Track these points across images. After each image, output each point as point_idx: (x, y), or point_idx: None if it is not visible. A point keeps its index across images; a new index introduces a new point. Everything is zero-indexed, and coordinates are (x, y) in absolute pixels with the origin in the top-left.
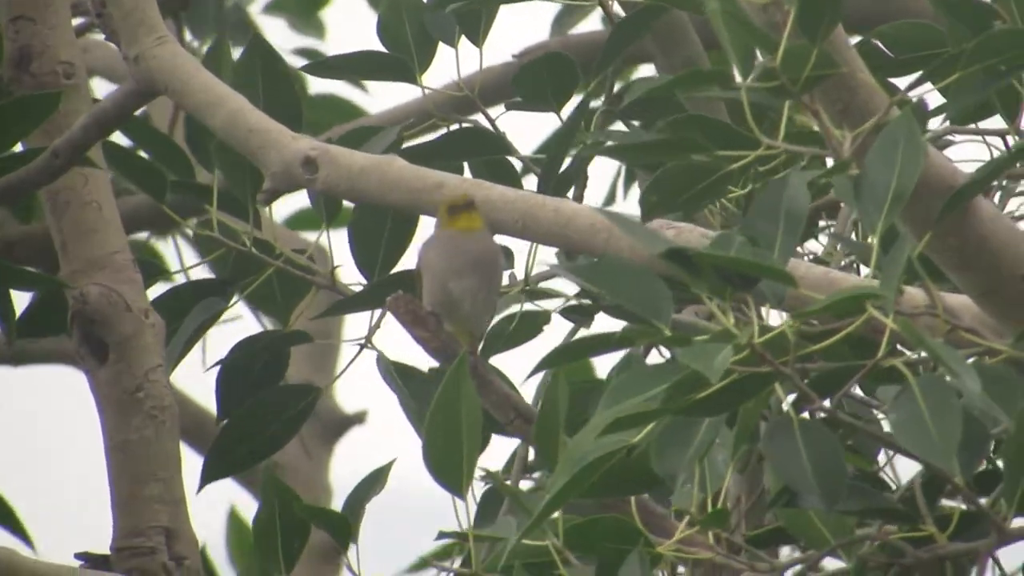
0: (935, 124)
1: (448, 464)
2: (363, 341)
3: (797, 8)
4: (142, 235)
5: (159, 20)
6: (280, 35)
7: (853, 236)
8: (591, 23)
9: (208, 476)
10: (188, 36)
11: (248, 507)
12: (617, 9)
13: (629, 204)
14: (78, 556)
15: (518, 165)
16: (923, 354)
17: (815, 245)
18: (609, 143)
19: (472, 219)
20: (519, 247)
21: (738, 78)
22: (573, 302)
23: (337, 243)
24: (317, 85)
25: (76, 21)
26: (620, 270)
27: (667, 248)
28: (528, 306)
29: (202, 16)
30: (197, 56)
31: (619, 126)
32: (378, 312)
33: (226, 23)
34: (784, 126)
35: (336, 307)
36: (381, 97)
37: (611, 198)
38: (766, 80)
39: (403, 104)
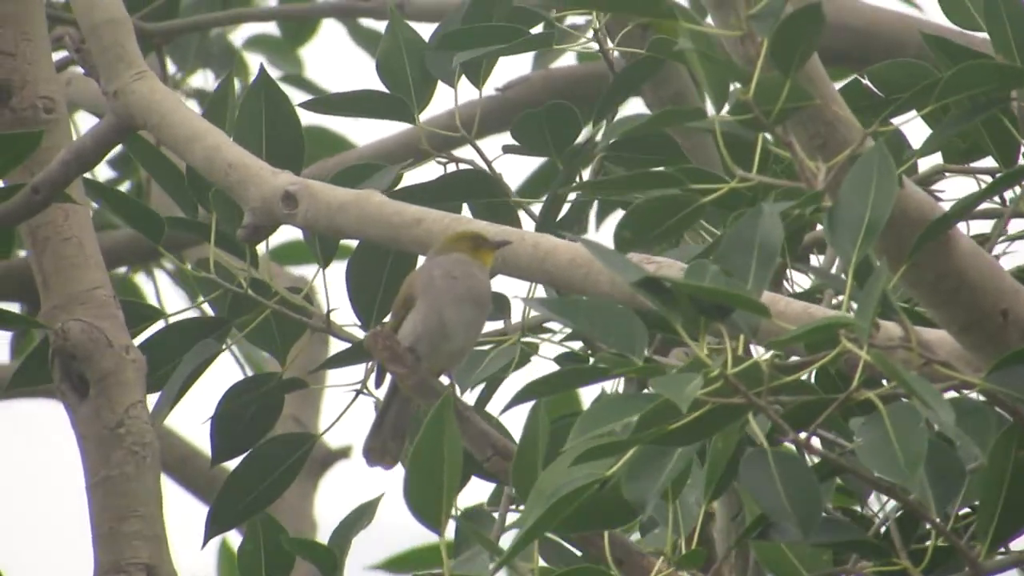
0: (928, 165)
1: (428, 501)
2: (359, 387)
3: (769, 41)
4: (120, 270)
5: (138, 55)
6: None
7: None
8: (570, 57)
9: (212, 531)
10: (172, 68)
11: (238, 541)
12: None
13: (602, 235)
14: None
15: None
16: (898, 388)
17: (805, 280)
18: (585, 182)
19: (489, 257)
20: (514, 291)
21: (712, 111)
22: (565, 348)
23: (334, 280)
24: (302, 116)
25: (57, 56)
26: (595, 306)
27: (642, 277)
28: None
29: (185, 48)
30: (179, 88)
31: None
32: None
33: (209, 55)
34: (758, 159)
35: (334, 360)
36: (362, 126)
37: (582, 229)
38: (740, 112)
39: (389, 137)
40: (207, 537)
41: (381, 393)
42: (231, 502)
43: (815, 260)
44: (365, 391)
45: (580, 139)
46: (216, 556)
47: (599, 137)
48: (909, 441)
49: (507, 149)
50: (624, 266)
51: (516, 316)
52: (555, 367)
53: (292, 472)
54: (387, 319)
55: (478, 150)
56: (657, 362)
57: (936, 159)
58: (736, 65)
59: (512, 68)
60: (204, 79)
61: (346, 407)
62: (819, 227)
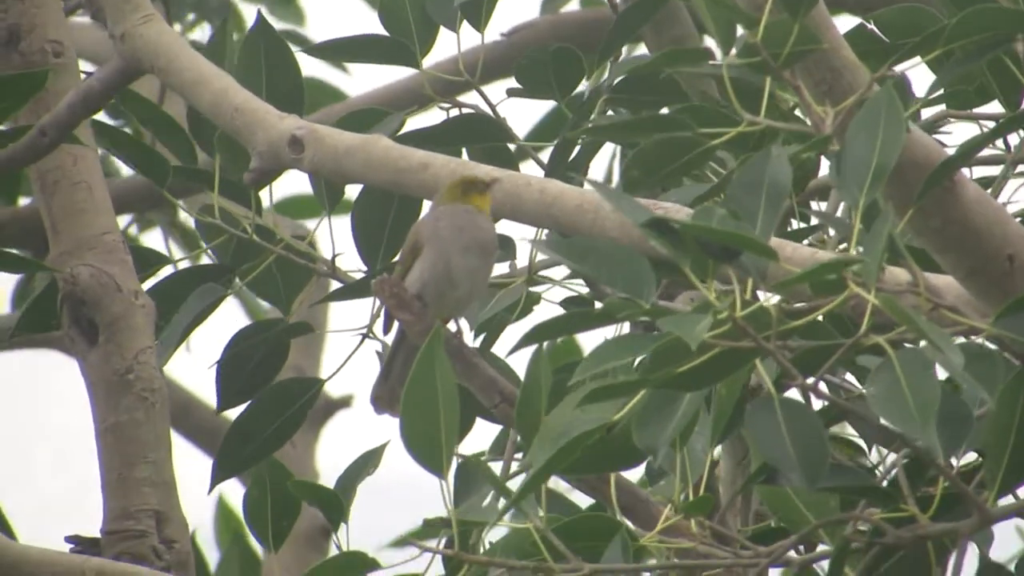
0: (930, 112)
1: (427, 443)
2: (364, 331)
3: None
4: (124, 221)
5: None
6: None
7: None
8: (576, 3)
9: (219, 476)
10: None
11: (236, 494)
12: None
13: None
14: (68, 539)
15: (514, 150)
16: (906, 333)
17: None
18: (594, 125)
19: (486, 201)
20: (519, 235)
21: (719, 55)
22: (572, 293)
23: (337, 230)
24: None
25: (63, 1)
26: (603, 249)
27: (650, 218)
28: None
29: (181, 2)
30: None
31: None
32: (378, 300)
33: (207, 8)
34: (766, 103)
35: (336, 294)
36: (360, 77)
37: (608, 181)
38: (748, 56)
39: (391, 84)
40: (213, 482)
41: (387, 338)
42: (237, 448)
43: (816, 207)
44: (371, 335)
45: (585, 85)
46: (214, 509)
47: (604, 78)
48: (921, 390)
49: (511, 92)
50: (632, 207)
51: (523, 259)
52: (561, 311)
53: (298, 418)
54: (394, 261)
55: (481, 94)
56: (664, 306)
57: (941, 107)
58: (743, 9)
59: (519, 14)
60: (202, 33)
61: (352, 351)
62: (821, 174)
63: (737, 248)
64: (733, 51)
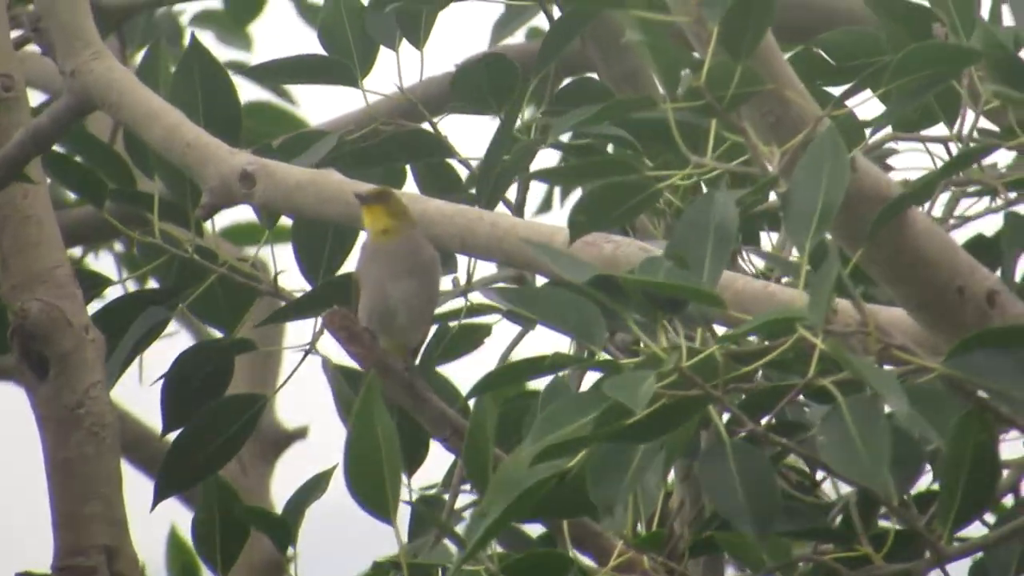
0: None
1: (372, 491)
2: (307, 347)
3: (719, 27)
4: (76, 251)
5: (95, 34)
6: (208, 47)
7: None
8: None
9: (161, 494)
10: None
11: (188, 526)
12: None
13: (566, 211)
14: (19, 575)
15: (463, 173)
16: None
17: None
18: (539, 169)
19: (387, 214)
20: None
21: (664, 98)
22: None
23: (279, 255)
24: (247, 94)
25: (13, 34)
26: (553, 296)
27: (593, 276)
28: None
29: (133, 27)
30: (133, 67)
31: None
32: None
33: (157, 33)
34: (712, 143)
35: (280, 313)
36: (316, 108)
37: (547, 205)
38: (692, 99)
39: (345, 114)
40: (156, 500)
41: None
42: (179, 465)
43: (766, 237)
44: (314, 351)
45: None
46: (165, 543)
47: (545, 93)
48: (871, 438)
49: (451, 109)
50: (572, 265)
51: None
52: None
53: (241, 435)
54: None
55: (424, 113)
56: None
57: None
58: (685, 51)
59: (472, 45)
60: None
61: (295, 367)
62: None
63: (684, 299)
64: (680, 91)
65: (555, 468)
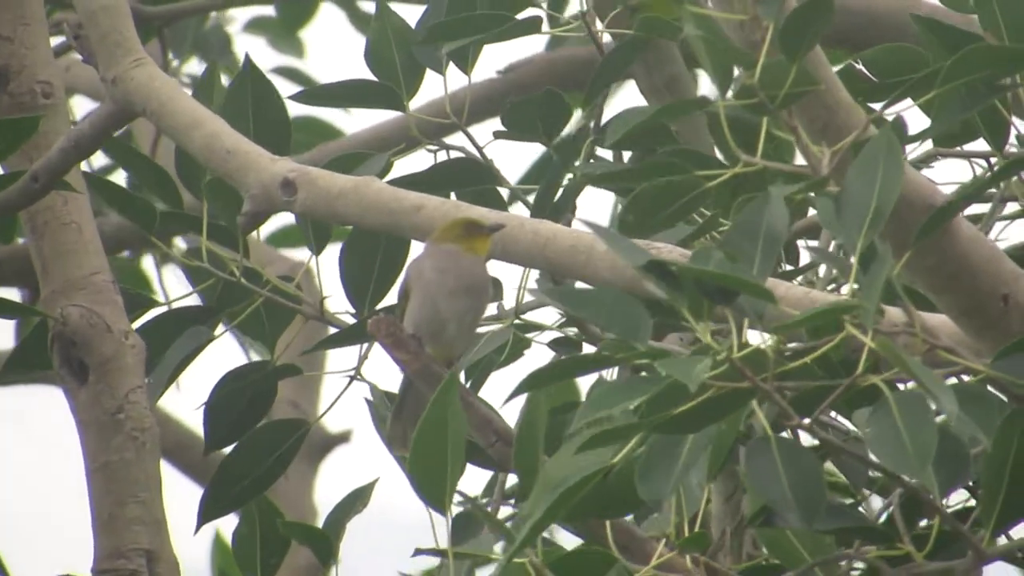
0: (921, 148)
1: (432, 482)
2: (353, 372)
3: (779, 28)
4: (125, 254)
5: (136, 42)
6: (260, 53)
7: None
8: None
9: (206, 515)
10: (172, 55)
11: (230, 530)
12: (606, 38)
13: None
14: None
15: (504, 192)
16: (902, 373)
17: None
18: (591, 172)
19: (484, 244)
20: (507, 275)
21: (716, 95)
22: (559, 334)
23: (325, 264)
24: (294, 106)
25: (55, 41)
26: (597, 294)
27: (647, 260)
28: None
29: (181, 36)
30: (176, 75)
31: (606, 152)
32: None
33: (206, 43)
34: (762, 144)
35: (326, 342)
36: (357, 115)
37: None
38: (744, 97)
39: (382, 123)
40: (200, 523)
41: (374, 378)
42: (224, 488)
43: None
44: (359, 377)
45: (574, 124)
46: (210, 545)
47: (592, 121)
48: (919, 433)
49: (498, 135)
50: (630, 249)
51: (510, 300)
52: (550, 353)
53: (286, 458)
54: (380, 306)
55: (469, 136)
56: (660, 347)
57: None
58: (740, 50)
59: (516, 50)
60: (201, 67)
61: (339, 393)
62: (810, 213)
63: (734, 290)
64: (730, 92)
65: (600, 463)
